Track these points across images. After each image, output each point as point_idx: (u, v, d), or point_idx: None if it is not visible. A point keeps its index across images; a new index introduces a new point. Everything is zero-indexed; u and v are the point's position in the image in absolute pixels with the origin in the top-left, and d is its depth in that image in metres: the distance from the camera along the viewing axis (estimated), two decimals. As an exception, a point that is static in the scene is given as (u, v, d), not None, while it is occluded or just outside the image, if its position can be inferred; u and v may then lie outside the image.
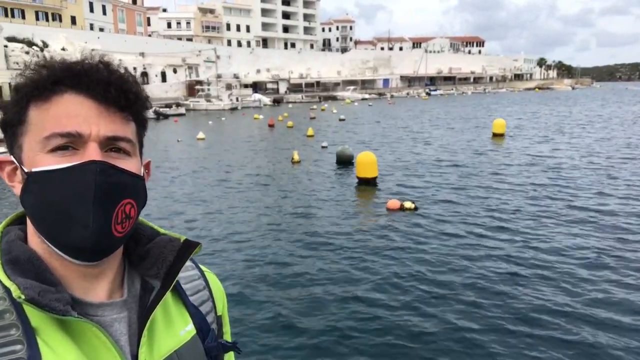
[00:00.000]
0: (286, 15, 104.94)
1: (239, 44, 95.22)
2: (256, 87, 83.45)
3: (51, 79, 0.74)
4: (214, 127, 35.89)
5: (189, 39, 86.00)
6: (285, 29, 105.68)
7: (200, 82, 69.11)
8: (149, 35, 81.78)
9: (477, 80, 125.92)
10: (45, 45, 55.38)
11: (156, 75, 69.67)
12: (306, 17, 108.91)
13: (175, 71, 72.15)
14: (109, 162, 0.74)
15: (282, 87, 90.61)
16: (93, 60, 0.78)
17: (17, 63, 50.80)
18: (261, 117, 43.78)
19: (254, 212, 11.14)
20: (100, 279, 0.80)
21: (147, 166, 0.86)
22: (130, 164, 0.78)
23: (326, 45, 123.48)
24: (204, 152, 22.57)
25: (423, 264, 7.62)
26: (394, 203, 11.15)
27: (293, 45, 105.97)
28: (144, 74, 68.15)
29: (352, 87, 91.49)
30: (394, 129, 31.33)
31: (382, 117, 42.20)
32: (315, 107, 58.38)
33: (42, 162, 0.73)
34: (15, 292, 0.69)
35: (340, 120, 39.34)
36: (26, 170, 0.74)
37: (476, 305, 6.14)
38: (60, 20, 64.18)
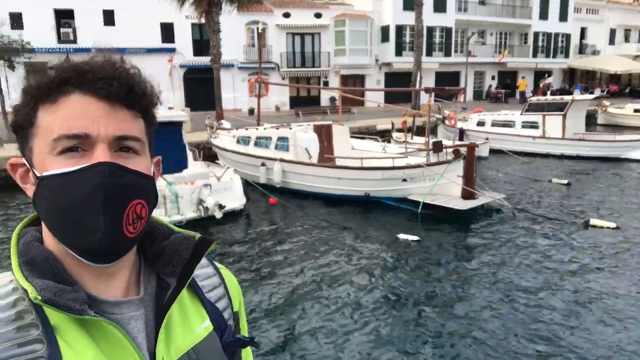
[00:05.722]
0: None
1: None
2: None
3: (57, 80, 0.75)
4: None
5: None
6: None
7: None
8: None
9: None
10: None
11: None
12: None
13: None
14: (118, 162, 0.74)
15: None
16: (99, 59, 0.78)
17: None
18: None
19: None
20: (116, 278, 0.80)
21: (157, 164, 0.86)
22: (139, 164, 0.78)
23: None
24: None
25: None
26: None
27: None
28: None
29: None
30: None
31: None
32: None
33: (52, 164, 0.74)
34: (32, 293, 0.70)
35: None
36: (37, 174, 0.75)
37: None
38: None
